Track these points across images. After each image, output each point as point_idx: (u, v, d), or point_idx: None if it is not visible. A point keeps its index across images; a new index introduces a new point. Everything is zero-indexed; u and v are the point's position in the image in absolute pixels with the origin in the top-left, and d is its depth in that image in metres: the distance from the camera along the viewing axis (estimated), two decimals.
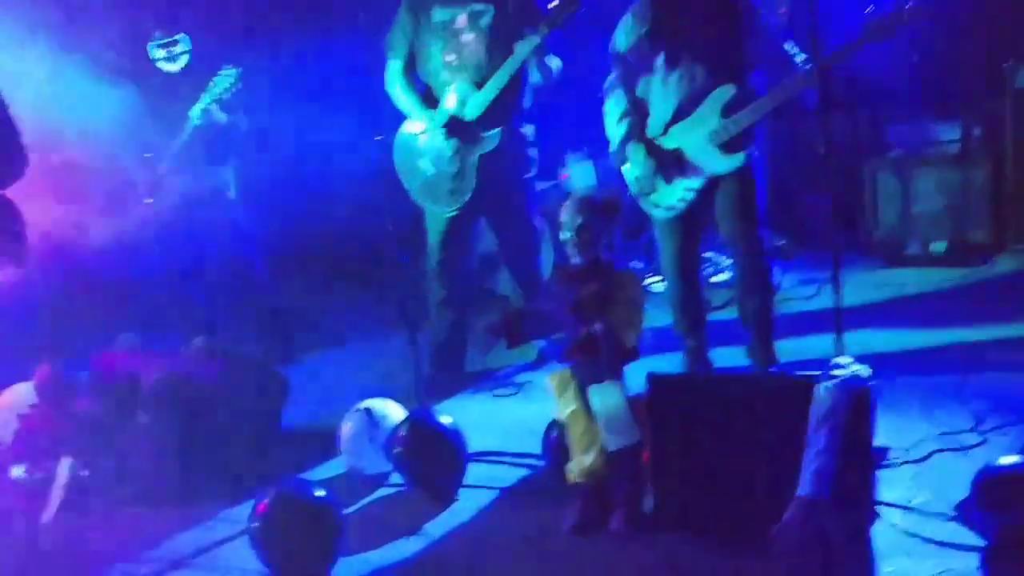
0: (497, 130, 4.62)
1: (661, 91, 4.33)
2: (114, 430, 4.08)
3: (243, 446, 4.09)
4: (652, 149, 4.39)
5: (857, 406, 3.05)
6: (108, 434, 4.07)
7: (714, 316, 5.54)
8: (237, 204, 5.65)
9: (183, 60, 5.37)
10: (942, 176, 6.31)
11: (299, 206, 6.60)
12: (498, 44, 4.57)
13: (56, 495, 3.93)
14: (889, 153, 6.55)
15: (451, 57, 4.66)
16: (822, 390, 3.06)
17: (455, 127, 4.66)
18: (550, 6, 4.34)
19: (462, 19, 4.63)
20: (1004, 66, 6.10)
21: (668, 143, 4.37)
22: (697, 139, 4.29)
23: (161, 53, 5.33)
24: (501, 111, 4.62)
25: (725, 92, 4.21)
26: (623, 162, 4.50)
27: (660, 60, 4.30)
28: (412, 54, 4.79)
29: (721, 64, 4.22)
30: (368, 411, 4.06)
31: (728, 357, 4.82)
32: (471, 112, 4.62)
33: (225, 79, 5.19)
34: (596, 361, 3.46)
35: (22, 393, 4.52)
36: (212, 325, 5.70)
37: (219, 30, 5.84)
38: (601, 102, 4.54)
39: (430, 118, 4.72)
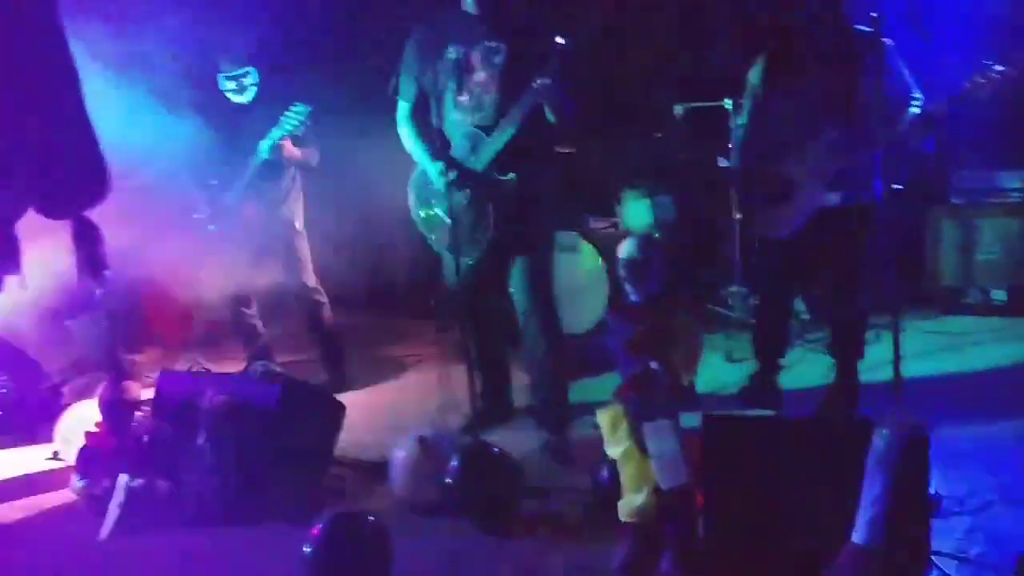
0: (512, 176, 4.34)
1: (779, 118, 4.53)
2: (173, 450, 4.14)
3: (298, 471, 4.13)
4: (766, 172, 4.60)
5: (913, 453, 3.03)
6: (167, 454, 4.13)
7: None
8: (301, 233, 5.75)
9: (252, 92, 5.49)
10: (1005, 225, 6.25)
11: (362, 236, 6.70)
12: (513, 83, 4.27)
13: (113, 512, 4.00)
14: (952, 200, 6.50)
15: (463, 97, 4.40)
16: (878, 436, 3.03)
17: (468, 175, 4.38)
18: (556, 43, 4.09)
19: (475, 57, 4.37)
20: None
21: (781, 172, 4.54)
22: (803, 172, 4.45)
23: (231, 85, 5.45)
24: (517, 156, 4.33)
25: (832, 132, 4.35)
26: (742, 176, 4.86)
27: (777, 96, 4.53)
28: (422, 94, 4.53)
29: (835, 102, 4.35)
30: (422, 440, 4.09)
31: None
32: (483, 160, 4.36)
33: (296, 116, 5.29)
34: (651, 399, 3.46)
35: (86, 411, 4.64)
36: (269, 349, 5.82)
37: (286, 64, 5.96)
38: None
39: (440, 169, 4.37)
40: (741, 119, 4.90)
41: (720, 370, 5.48)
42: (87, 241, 2.43)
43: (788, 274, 4.76)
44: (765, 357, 4.92)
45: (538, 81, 4.12)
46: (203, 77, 5.56)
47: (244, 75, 5.46)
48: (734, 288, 6.43)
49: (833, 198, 4.41)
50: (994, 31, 5.86)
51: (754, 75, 4.66)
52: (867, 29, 4.16)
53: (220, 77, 5.47)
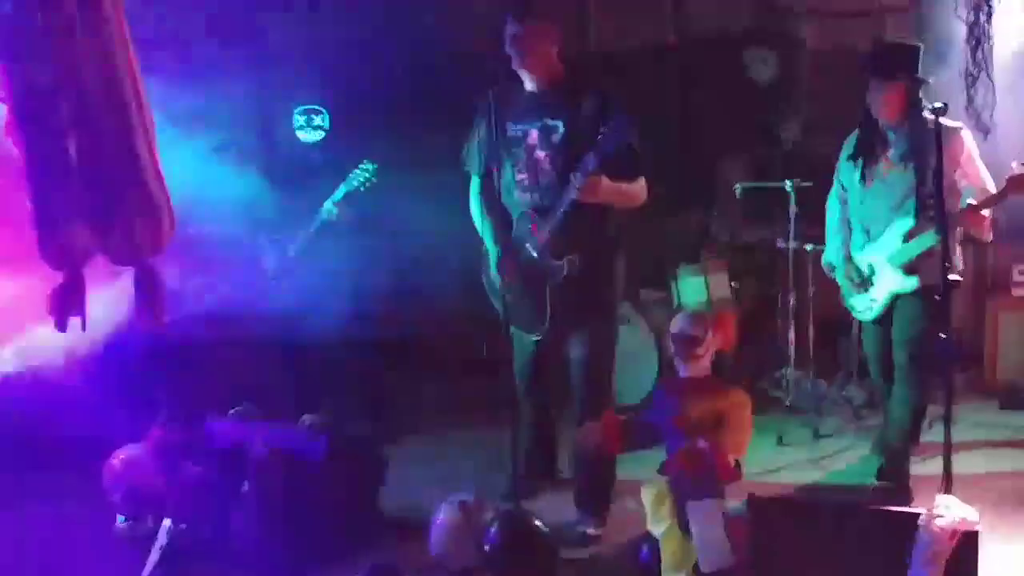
0: (566, 260, 4.25)
1: (859, 209, 4.78)
2: (218, 496, 4.17)
3: (340, 523, 4.14)
4: (850, 260, 4.85)
5: (962, 548, 2.96)
6: (212, 500, 4.17)
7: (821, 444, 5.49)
8: (358, 290, 5.80)
9: (319, 134, 5.60)
10: None
11: (415, 294, 6.75)
12: (572, 162, 4.18)
13: (154, 555, 4.03)
14: (1015, 292, 6.41)
15: (522, 176, 4.38)
16: (926, 528, 2.98)
17: (525, 257, 4.36)
18: (600, 134, 4.04)
19: (534, 135, 4.34)
20: None
21: (861, 258, 4.81)
22: (882, 259, 4.67)
23: (302, 120, 5.58)
24: (574, 238, 4.26)
25: (906, 223, 4.54)
26: (831, 269, 4.99)
27: (859, 180, 4.73)
28: (489, 168, 4.49)
29: (910, 191, 4.54)
30: (463, 504, 4.08)
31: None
32: (538, 243, 4.31)
33: (363, 172, 5.39)
34: (696, 478, 3.43)
35: (136, 453, 4.69)
36: (319, 401, 5.85)
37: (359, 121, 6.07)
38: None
39: (500, 251, 4.41)
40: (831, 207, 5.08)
41: (769, 453, 5.41)
42: (148, 287, 2.49)
43: (883, 346, 4.84)
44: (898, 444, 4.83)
45: (572, 178, 4.10)
46: (270, 131, 5.70)
47: (317, 113, 5.58)
48: (787, 370, 6.37)
49: (906, 283, 4.57)
50: None
51: (841, 168, 4.91)
52: (952, 123, 4.47)
53: (296, 110, 5.59)
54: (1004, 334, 6.33)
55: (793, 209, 6.09)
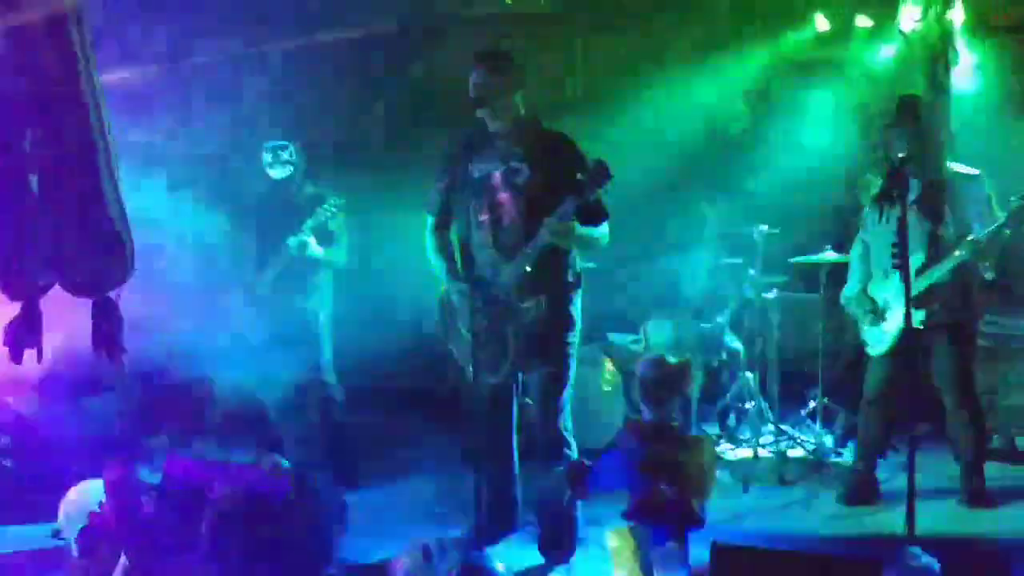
0: (532, 302, 4.29)
1: (881, 249, 5.00)
2: (176, 536, 4.09)
3: (299, 567, 4.07)
4: (865, 293, 5.22)
5: None
6: (170, 540, 4.09)
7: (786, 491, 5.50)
8: (324, 328, 5.77)
9: (288, 169, 5.59)
10: None
11: (385, 335, 6.72)
12: (534, 205, 4.24)
13: None
14: (979, 343, 6.45)
15: (484, 217, 4.39)
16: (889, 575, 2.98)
17: (488, 299, 4.30)
18: (579, 178, 4.10)
19: (497, 177, 4.38)
20: None
21: (875, 292, 5.16)
22: (894, 295, 4.93)
23: (269, 156, 5.57)
24: (538, 282, 4.29)
25: (918, 259, 4.80)
26: (848, 303, 5.32)
27: (879, 222, 4.81)
28: (446, 209, 4.54)
29: (925, 231, 4.89)
30: (424, 548, 4.02)
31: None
32: (502, 285, 4.31)
33: (328, 209, 5.39)
34: (660, 523, 3.41)
35: (92, 490, 4.61)
36: (282, 440, 5.79)
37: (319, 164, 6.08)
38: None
39: (460, 289, 4.41)
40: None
41: (734, 498, 5.39)
42: (106, 320, 2.46)
43: (886, 385, 5.16)
44: (865, 459, 5.31)
45: (547, 222, 4.13)
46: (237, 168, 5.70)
47: (283, 148, 5.57)
48: (752, 415, 6.38)
49: (916, 317, 4.71)
50: None
51: (866, 212, 5.24)
52: (970, 171, 4.97)
53: (264, 146, 5.59)
54: None
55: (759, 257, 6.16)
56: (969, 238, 4.80)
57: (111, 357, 2.46)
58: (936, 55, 6.61)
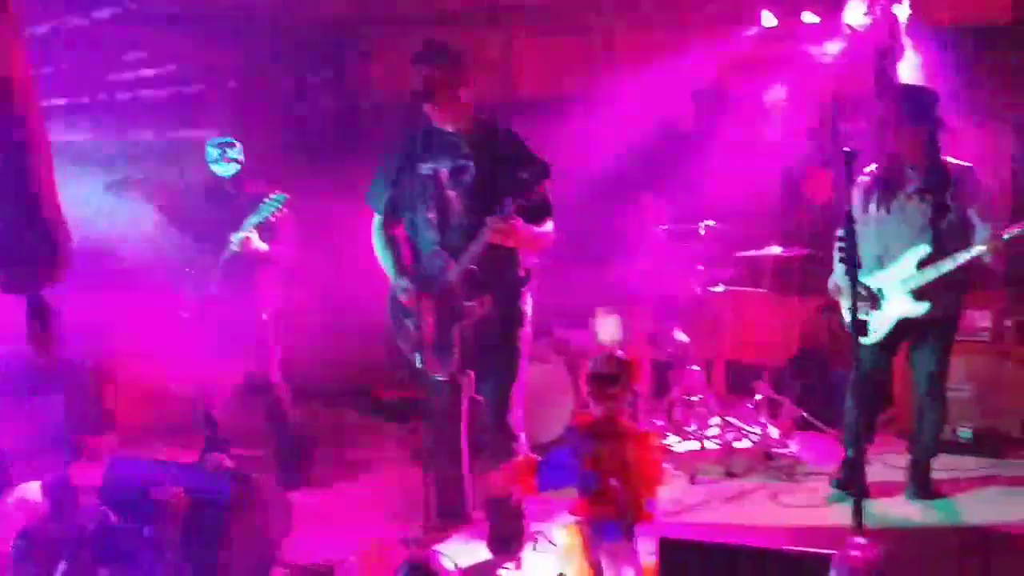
0: (478, 300, 4.26)
1: (873, 237, 5.01)
2: (118, 540, 4.02)
3: (244, 569, 4.02)
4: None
5: None
6: (111, 543, 4.01)
7: (733, 483, 5.53)
8: (271, 326, 5.70)
9: (234, 167, 5.50)
10: (972, 364, 6.29)
11: (334, 332, 6.67)
12: (481, 203, 4.21)
13: None
14: None
15: (432, 215, 4.36)
16: (837, 570, 2.99)
17: (436, 297, 4.31)
18: (521, 177, 4.03)
19: (444, 174, 4.34)
20: None
21: (872, 282, 5.08)
22: (893, 284, 5.00)
23: (215, 153, 5.48)
24: (485, 279, 4.27)
25: (921, 251, 4.88)
26: (837, 290, 5.18)
27: (875, 210, 5.04)
28: (393, 207, 4.48)
29: (926, 223, 4.91)
30: (373, 546, 3.99)
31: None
32: (449, 283, 4.28)
33: (272, 204, 5.31)
34: (608, 518, 3.41)
35: (30, 492, 4.51)
36: (227, 442, 5.72)
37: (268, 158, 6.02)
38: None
39: (404, 287, 4.38)
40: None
41: (682, 492, 5.42)
42: (40, 318, 2.40)
43: (875, 374, 5.14)
44: (855, 447, 5.13)
45: (489, 221, 4.08)
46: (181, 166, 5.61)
47: (230, 145, 5.49)
48: (700, 409, 6.42)
49: (916, 308, 4.93)
50: None
51: (858, 201, 5.12)
52: (964, 164, 4.96)
53: (209, 144, 5.50)
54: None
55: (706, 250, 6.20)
56: (988, 235, 4.78)
57: (45, 355, 2.40)
58: (883, 50, 6.66)
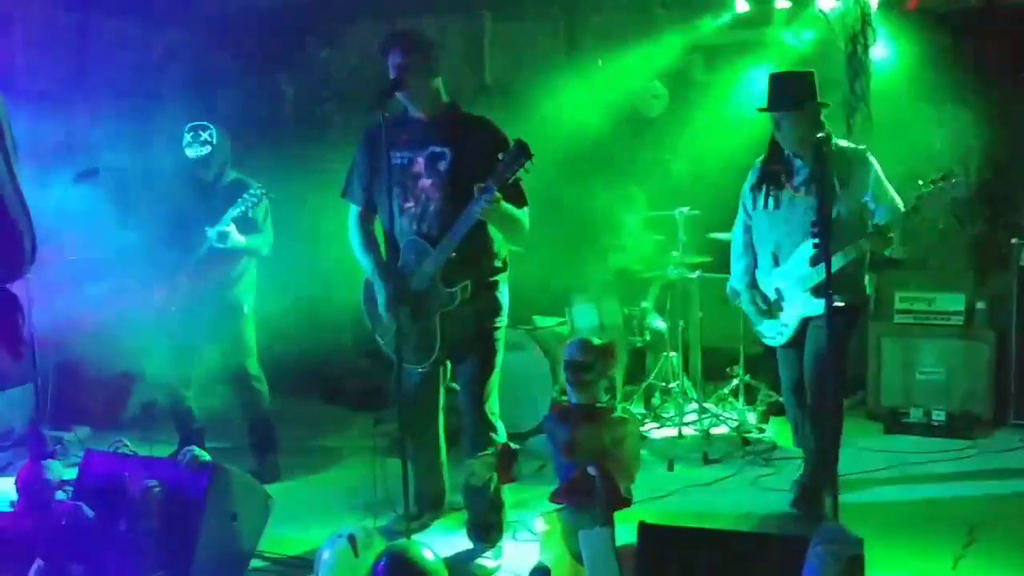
0: (457, 288, 4.21)
1: (765, 234, 4.83)
2: (92, 535, 3.98)
3: (221, 563, 4.00)
4: (755, 286, 4.95)
5: (848, 570, 2.99)
6: (86, 539, 3.97)
7: (711, 469, 5.55)
8: (248, 318, 5.66)
9: (207, 149, 5.43)
10: (946, 347, 6.34)
11: (305, 326, 6.64)
12: (458, 191, 4.14)
13: None
14: (897, 318, 6.58)
15: (408, 204, 4.30)
16: (814, 554, 2.99)
17: (412, 287, 4.27)
18: (500, 158, 3.95)
19: (420, 163, 4.29)
20: (1012, 242, 6.23)
21: (763, 281, 4.91)
22: (790, 283, 4.74)
23: (189, 136, 5.41)
24: (464, 267, 4.23)
25: (811, 245, 4.44)
26: (736, 295, 5.05)
27: (763, 207, 4.81)
28: (370, 198, 4.44)
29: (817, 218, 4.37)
30: (351, 538, 3.97)
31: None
32: (428, 273, 4.23)
33: (251, 197, 5.26)
34: (587, 505, 3.40)
35: (3, 488, 4.47)
36: (203, 433, 5.68)
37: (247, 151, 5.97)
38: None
39: (384, 278, 4.34)
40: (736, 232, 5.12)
41: (660, 478, 5.43)
42: (5, 312, 2.35)
43: (799, 373, 4.88)
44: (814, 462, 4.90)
45: (476, 201, 4.00)
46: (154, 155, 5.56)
47: (203, 128, 5.42)
48: (677, 396, 6.44)
49: (816, 306, 4.51)
50: None
51: (745, 195, 4.95)
52: (855, 147, 4.72)
53: (185, 128, 5.44)
54: (887, 359, 6.51)
55: (682, 238, 6.21)
56: (872, 225, 4.55)
57: (11, 351, 2.36)
58: (855, 35, 6.67)
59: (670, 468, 5.62)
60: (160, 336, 5.55)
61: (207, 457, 4.15)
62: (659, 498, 5.07)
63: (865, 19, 6.64)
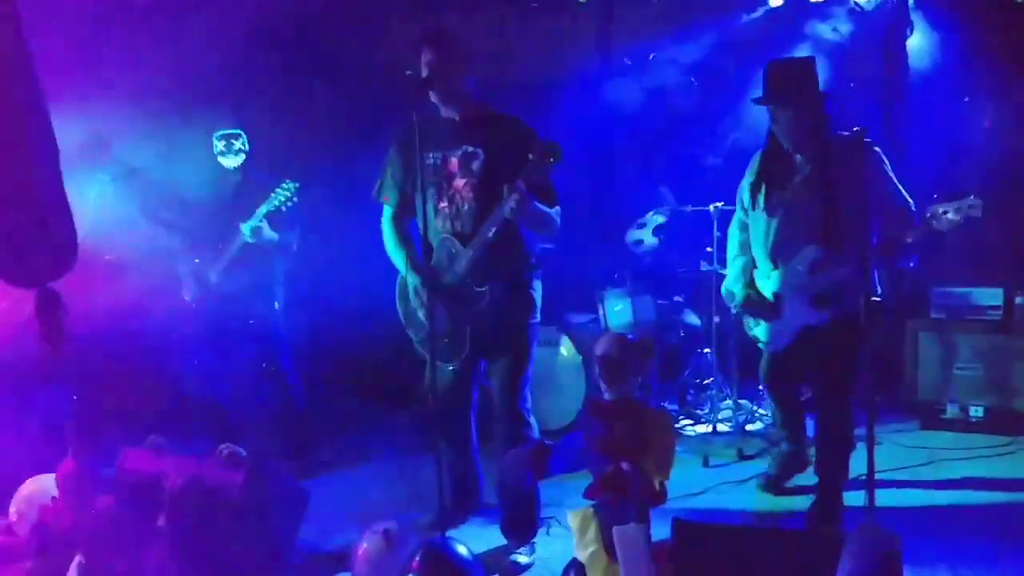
0: (488, 287, 4.22)
1: (763, 235, 4.58)
2: (132, 531, 4.02)
3: (260, 558, 4.03)
4: (753, 288, 4.70)
5: (885, 569, 2.97)
6: (125, 534, 4.02)
7: (746, 466, 5.53)
8: (280, 315, 5.70)
9: (240, 157, 5.49)
10: (983, 342, 6.27)
11: (342, 320, 6.66)
12: (490, 191, 4.16)
13: None
14: (933, 313, 6.51)
15: (443, 204, 4.32)
16: (850, 550, 2.98)
17: (446, 285, 4.29)
18: (529, 158, 3.97)
19: (454, 162, 4.31)
20: None
21: (767, 287, 4.61)
22: (789, 289, 4.50)
23: (221, 145, 5.47)
24: (495, 266, 4.23)
25: (812, 252, 4.35)
26: (731, 298, 4.81)
27: (762, 206, 4.56)
28: (404, 198, 4.46)
29: (817, 219, 4.35)
30: (386, 533, 3.99)
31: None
32: (460, 271, 4.25)
33: (284, 192, 5.30)
34: (622, 501, 3.40)
35: (44, 485, 4.52)
36: (239, 430, 5.72)
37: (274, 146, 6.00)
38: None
39: (416, 283, 4.38)
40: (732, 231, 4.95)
41: (695, 475, 5.41)
42: (49, 311, 2.40)
43: (781, 375, 4.82)
44: (788, 438, 5.00)
45: (505, 200, 4.01)
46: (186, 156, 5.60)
47: (235, 136, 5.47)
48: (712, 392, 6.42)
49: (816, 316, 4.41)
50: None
51: (743, 192, 4.77)
52: (854, 135, 4.22)
53: (215, 136, 5.48)
54: (923, 354, 6.43)
55: (716, 233, 6.18)
56: (880, 236, 4.23)
57: (55, 348, 2.40)
58: (891, 27, 6.58)
59: (705, 464, 5.60)
60: (194, 333, 5.61)
61: (243, 453, 4.18)
62: (694, 495, 5.06)
63: (902, 14, 6.56)
